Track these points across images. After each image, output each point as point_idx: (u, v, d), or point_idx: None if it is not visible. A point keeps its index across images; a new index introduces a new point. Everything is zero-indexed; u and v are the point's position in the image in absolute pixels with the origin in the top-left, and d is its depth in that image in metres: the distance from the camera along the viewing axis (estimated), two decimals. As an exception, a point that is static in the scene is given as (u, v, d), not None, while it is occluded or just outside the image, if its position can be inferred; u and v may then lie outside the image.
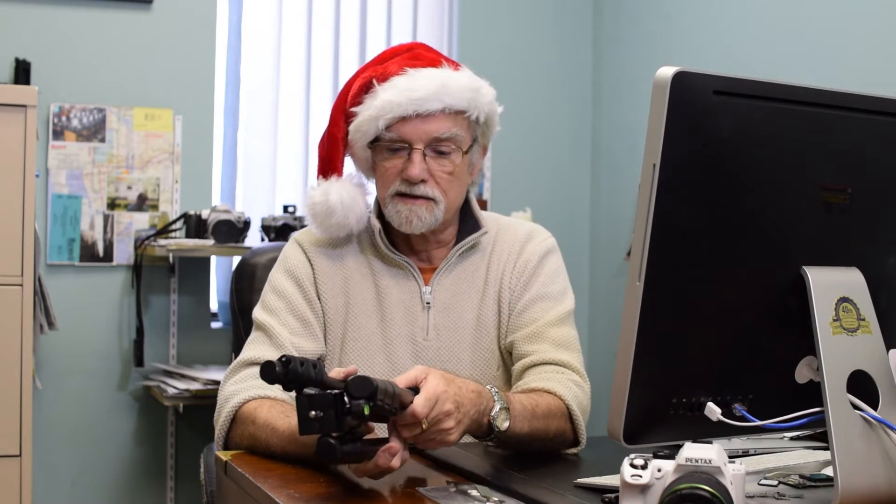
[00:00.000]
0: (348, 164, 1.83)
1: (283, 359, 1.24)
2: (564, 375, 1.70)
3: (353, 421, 1.26)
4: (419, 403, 1.33)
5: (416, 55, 1.79)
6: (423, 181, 1.73)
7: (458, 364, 1.77)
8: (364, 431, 1.35)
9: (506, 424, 1.50)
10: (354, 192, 1.78)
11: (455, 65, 1.79)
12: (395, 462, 1.34)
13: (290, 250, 1.83)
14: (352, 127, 1.76)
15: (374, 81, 1.74)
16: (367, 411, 1.25)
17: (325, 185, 1.78)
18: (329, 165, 1.80)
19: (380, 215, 1.82)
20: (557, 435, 1.61)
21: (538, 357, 1.72)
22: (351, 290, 1.79)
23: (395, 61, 1.77)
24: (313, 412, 1.25)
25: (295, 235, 1.87)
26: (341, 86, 3.90)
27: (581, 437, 1.65)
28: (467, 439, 1.67)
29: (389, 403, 1.29)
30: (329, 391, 1.25)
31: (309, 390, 1.26)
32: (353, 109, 1.76)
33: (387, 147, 1.74)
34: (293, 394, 1.66)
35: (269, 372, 1.22)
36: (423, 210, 1.74)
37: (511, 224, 1.90)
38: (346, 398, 1.25)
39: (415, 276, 1.80)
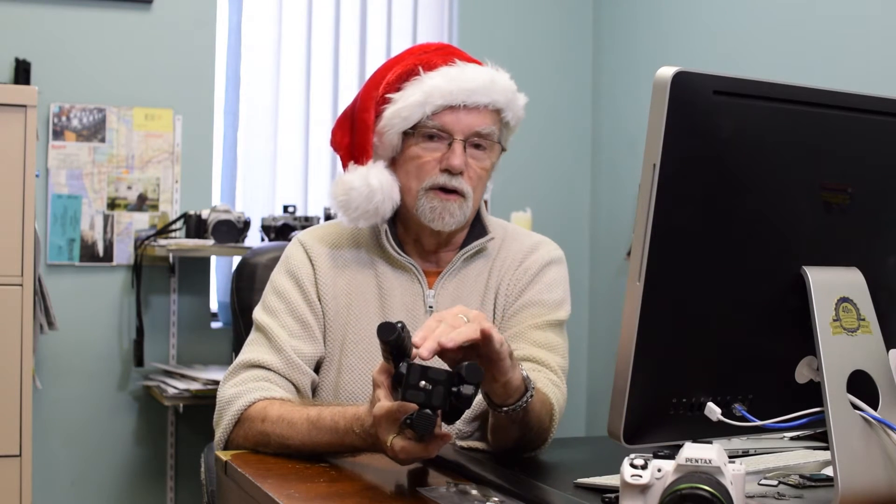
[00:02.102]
0: None
1: (400, 324, 1.32)
2: (542, 374, 1.67)
3: (456, 402, 1.30)
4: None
5: (452, 52, 1.79)
6: (460, 173, 1.72)
7: None
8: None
9: (531, 397, 1.46)
10: (390, 178, 1.75)
11: (494, 67, 1.79)
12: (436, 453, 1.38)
13: (292, 250, 1.82)
14: (389, 112, 1.73)
15: (420, 69, 1.73)
16: (473, 399, 1.31)
17: (361, 170, 1.74)
18: (360, 151, 1.76)
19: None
20: (543, 430, 1.58)
21: (515, 354, 1.67)
22: (353, 292, 1.78)
23: (434, 54, 1.76)
24: (423, 382, 1.29)
25: (298, 235, 1.85)
26: (341, 86, 3.96)
27: (550, 438, 1.63)
28: (472, 444, 1.66)
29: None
30: (443, 368, 1.31)
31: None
32: (391, 95, 1.73)
33: (425, 135, 1.72)
34: (293, 395, 1.67)
35: (387, 332, 1.31)
36: (455, 206, 1.73)
37: (520, 234, 1.88)
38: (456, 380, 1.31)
39: (419, 278, 1.79)
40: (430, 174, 1.73)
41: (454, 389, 1.30)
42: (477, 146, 1.74)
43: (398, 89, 1.73)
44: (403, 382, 1.30)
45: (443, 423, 1.37)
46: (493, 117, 1.75)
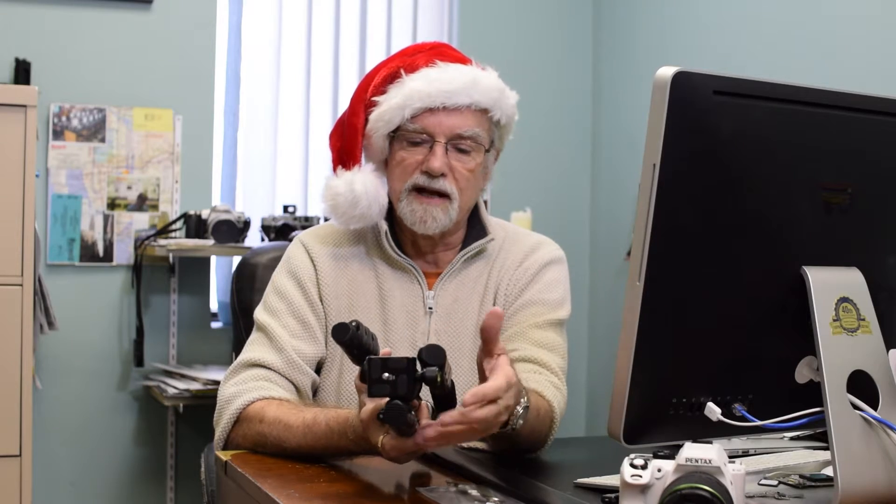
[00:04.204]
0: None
1: (354, 323, 1.31)
2: (542, 376, 1.67)
3: (424, 386, 1.30)
4: (496, 385, 1.30)
5: (442, 52, 1.78)
6: (442, 175, 1.71)
7: (458, 370, 1.74)
8: (414, 407, 1.34)
9: (520, 423, 1.44)
10: (377, 182, 1.75)
11: (481, 66, 1.78)
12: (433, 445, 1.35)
13: (293, 251, 1.82)
14: (373, 115, 1.73)
15: (402, 71, 1.73)
16: (438, 379, 1.29)
17: (347, 175, 1.74)
18: (348, 155, 1.77)
19: (386, 217, 1.80)
20: (540, 440, 1.58)
21: (515, 354, 1.66)
22: (354, 293, 1.78)
23: (422, 55, 1.76)
24: (386, 374, 1.28)
25: (299, 236, 1.85)
26: (341, 86, 3.96)
27: (549, 443, 1.62)
28: (472, 444, 1.66)
29: (451, 379, 1.32)
30: (403, 356, 1.29)
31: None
32: (376, 98, 1.74)
33: (408, 138, 1.72)
34: (294, 395, 1.67)
35: (341, 333, 1.31)
36: (439, 210, 1.72)
37: (520, 234, 1.88)
38: (418, 365, 1.29)
39: (419, 280, 1.79)
40: (412, 175, 1.73)
41: (417, 375, 1.29)
42: (460, 149, 1.73)
43: (383, 92, 1.74)
44: (367, 378, 1.30)
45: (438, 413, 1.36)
46: (476, 118, 1.74)
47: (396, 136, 1.74)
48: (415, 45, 1.84)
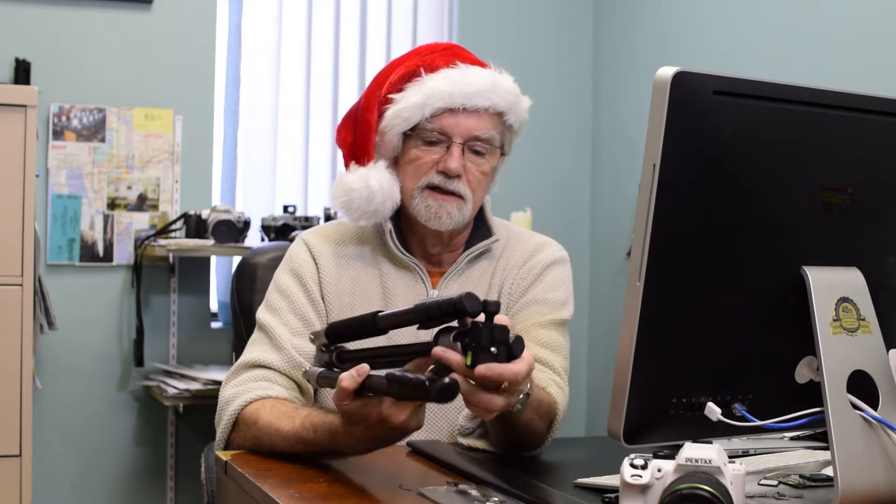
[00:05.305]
0: None
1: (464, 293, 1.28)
2: (546, 374, 1.68)
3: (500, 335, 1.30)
4: (526, 363, 1.31)
5: (457, 53, 1.79)
6: (457, 176, 1.72)
7: None
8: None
9: (517, 408, 1.45)
10: (391, 178, 1.75)
11: (498, 69, 1.78)
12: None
13: (295, 250, 1.82)
14: (390, 112, 1.73)
15: (422, 70, 1.73)
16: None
17: (362, 171, 1.74)
18: (362, 151, 1.76)
19: (391, 217, 1.79)
20: (538, 435, 1.58)
21: None
22: (357, 291, 1.78)
23: (437, 55, 1.76)
24: (493, 348, 1.28)
25: (301, 234, 1.85)
26: (342, 86, 3.97)
27: (547, 443, 1.62)
28: (473, 443, 1.66)
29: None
30: (485, 321, 1.28)
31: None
32: (392, 96, 1.73)
33: (424, 137, 1.73)
34: (295, 393, 1.67)
35: (476, 302, 1.27)
36: (453, 207, 1.73)
37: (524, 235, 1.89)
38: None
39: (423, 278, 1.79)
40: (427, 174, 1.73)
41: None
42: (476, 151, 1.73)
43: (400, 90, 1.74)
44: (481, 344, 1.29)
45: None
46: (493, 121, 1.74)
47: (412, 134, 1.73)
48: (428, 45, 1.84)
